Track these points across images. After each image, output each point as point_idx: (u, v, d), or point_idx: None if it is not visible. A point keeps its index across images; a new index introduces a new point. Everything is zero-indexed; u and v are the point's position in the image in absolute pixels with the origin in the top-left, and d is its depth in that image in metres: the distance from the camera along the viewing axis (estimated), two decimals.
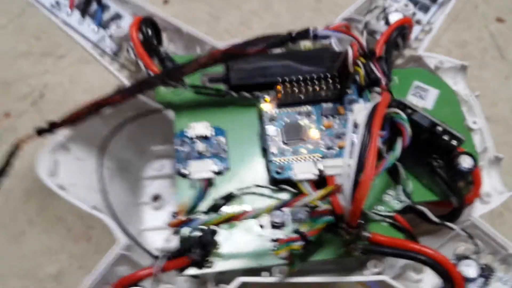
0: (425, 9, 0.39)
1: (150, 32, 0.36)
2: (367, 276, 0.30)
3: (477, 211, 0.32)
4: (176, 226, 0.28)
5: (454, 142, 0.29)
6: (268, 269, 0.30)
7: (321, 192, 0.26)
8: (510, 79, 0.67)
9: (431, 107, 0.34)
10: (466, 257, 0.29)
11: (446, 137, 0.29)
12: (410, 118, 0.29)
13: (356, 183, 0.24)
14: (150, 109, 0.39)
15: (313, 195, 0.27)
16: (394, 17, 0.36)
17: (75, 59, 0.67)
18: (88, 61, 0.55)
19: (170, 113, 0.35)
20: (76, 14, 0.38)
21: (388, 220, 0.31)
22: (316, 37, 0.30)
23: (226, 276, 0.31)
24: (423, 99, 0.34)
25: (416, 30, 0.37)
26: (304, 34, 0.30)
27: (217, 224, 0.28)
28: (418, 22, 0.38)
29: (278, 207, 0.27)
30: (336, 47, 0.36)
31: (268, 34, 0.31)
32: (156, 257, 0.28)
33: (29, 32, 0.62)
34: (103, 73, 0.39)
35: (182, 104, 0.35)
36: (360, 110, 0.26)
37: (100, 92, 0.33)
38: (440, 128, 0.29)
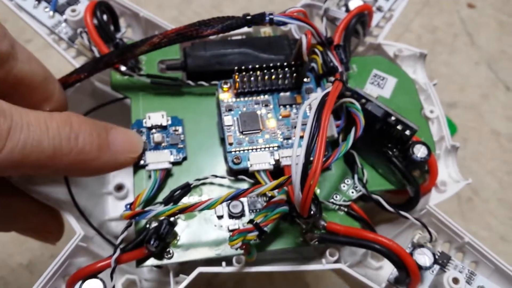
0: None
1: (105, 17, 0.35)
2: (324, 264, 0.30)
3: (433, 199, 0.32)
4: (130, 218, 0.28)
5: (407, 132, 0.29)
6: (228, 259, 0.30)
7: (273, 183, 0.26)
8: (480, 65, 0.67)
9: (389, 96, 0.34)
10: (421, 246, 0.29)
11: (399, 127, 0.29)
12: (364, 108, 0.29)
13: (305, 174, 0.24)
14: (110, 99, 0.38)
15: (265, 186, 0.26)
16: (354, 4, 0.35)
17: (42, 44, 0.66)
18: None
19: (129, 102, 0.34)
20: None
21: (344, 209, 0.31)
22: (272, 22, 0.30)
23: (188, 266, 0.31)
24: (381, 87, 0.34)
25: (377, 17, 0.37)
26: (260, 18, 0.30)
27: (171, 215, 0.28)
28: (380, 9, 0.37)
29: (231, 198, 0.27)
30: (296, 34, 0.36)
31: (224, 16, 0.30)
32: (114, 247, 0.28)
33: None
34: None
35: (139, 93, 0.34)
36: (313, 99, 0.26)
37: None
38: (393, 118, 0.29)
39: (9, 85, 0.27)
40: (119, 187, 0.42)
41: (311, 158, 0.24)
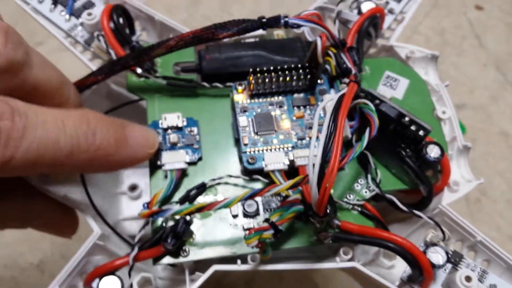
0: None
1: (121, 20, 0.36)
2: (338, 263, 0.31)
3: (446, 199, 0.32)
4: (148, 216, 0.29)
5: (421, 133, 0.29)
6: (243, 258, 0.31)
7: (289, 183, 0.27)
8: (488, 67, 0.68)
9: (401, 97, 0.34)
10: (434, 244, 0.30)
11: (413, 128, 0.29)
12: (378, 109, 0.29)
13: (322, 174, 0.24)
14: (126, 100, 0.39)
15: (281, 185, 0.27)
16: (366, 7, 0.36)
17: (53, 47, 0.66)
18: (66, 49, 0.55)
19: (145, 104, 0.35)
20: (48, 1, 0.38)
21: (357, 208, 0.31)
22: (287, 24, 0.30)
23: (203, 265, 0.31)
24: (394, 89, 0.34)
25: (389, 20, 0.38)
26: (275, 20, 0.30)
27: (188, 214, 0.28)
28: (391, 11, 0.38)
29: (248, 197, 0.27)
30: (309, 37, 0.36)
31: (239, 19, 0.31)
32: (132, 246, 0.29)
33: (5, 19, 0.61)
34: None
35: (154, 94, 0.35)
36: (328, 101, 0.27)
37: None
38: (407, 119, 0.29)
39: (24, 93, 0.26)
40: (133, 187, 0.42)
41: (326, 159, 0.25)
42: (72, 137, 0.25)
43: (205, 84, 0.34)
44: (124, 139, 0.28)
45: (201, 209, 0.28)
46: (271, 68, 0.32)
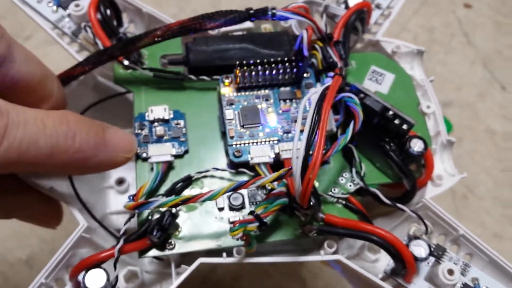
0: None
1: (109, 12, 0.35)
2: (322, 255, 0.31)
3: (429, 193, 0.32)
4: (133, 208, 0.29)
5: (404, 126, 0.29)
6: (228, 250, 0.31)
7: (273, 175, 0.27)
8: (476, 65, 0.68)
9: (387, 92, 0.35)
10: (417, 238, 0.30)
11: (397, 121, 0.29)
12: (363, 102, 0.29)
13: (305, 165, 0.24)
14: (112, 93, 0.38)
15: (266, 178, 0.27)
16: (353, 1, 0.36)
17: (41, 40, 0.66)
18: (54, 42, 0.54)
19: (132, 97, 0.35)
20: None
21: (342, 201, 0.31)
22: (274, 16, 0.31)
23: (189, 258, 0.31)
24: (379, 83, 0.35)
25: (376, 15, 0.38)
26: (262, 12, 0.31)
27: (174, 206, 0.29)
28: (378, 6, 0.38)
29: (233, 189, 0.28)
30: (296, 30, 0.36)
31: (227, 10, 0.31)
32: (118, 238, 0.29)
33: None
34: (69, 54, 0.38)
35: (141, 87, 0.35)
36: (313, 93, 0.27)
37: None
38: (391, 113, 0.29)
39: (5, 87, 0.26)
40: (120, 181, 0.42)
41: (311, 152, 0.25)
42: (52, 137, 0.25)
43: (192, 77, 0.34)
44: (103, 142, 0.28)
45: (187, 201, 0.28)
46: (258, 61, 0.32)
